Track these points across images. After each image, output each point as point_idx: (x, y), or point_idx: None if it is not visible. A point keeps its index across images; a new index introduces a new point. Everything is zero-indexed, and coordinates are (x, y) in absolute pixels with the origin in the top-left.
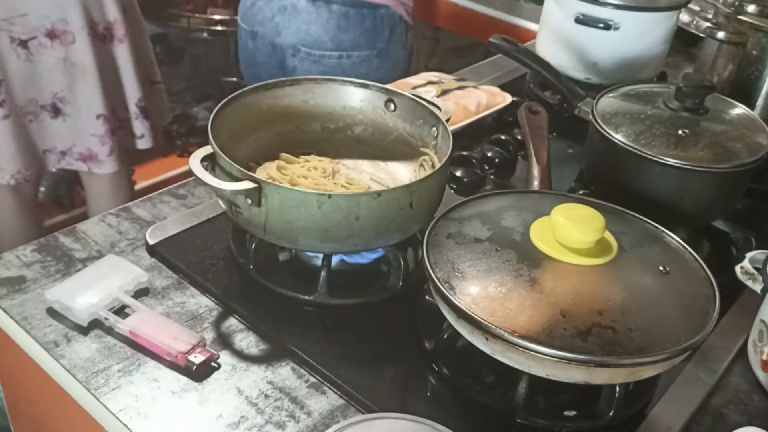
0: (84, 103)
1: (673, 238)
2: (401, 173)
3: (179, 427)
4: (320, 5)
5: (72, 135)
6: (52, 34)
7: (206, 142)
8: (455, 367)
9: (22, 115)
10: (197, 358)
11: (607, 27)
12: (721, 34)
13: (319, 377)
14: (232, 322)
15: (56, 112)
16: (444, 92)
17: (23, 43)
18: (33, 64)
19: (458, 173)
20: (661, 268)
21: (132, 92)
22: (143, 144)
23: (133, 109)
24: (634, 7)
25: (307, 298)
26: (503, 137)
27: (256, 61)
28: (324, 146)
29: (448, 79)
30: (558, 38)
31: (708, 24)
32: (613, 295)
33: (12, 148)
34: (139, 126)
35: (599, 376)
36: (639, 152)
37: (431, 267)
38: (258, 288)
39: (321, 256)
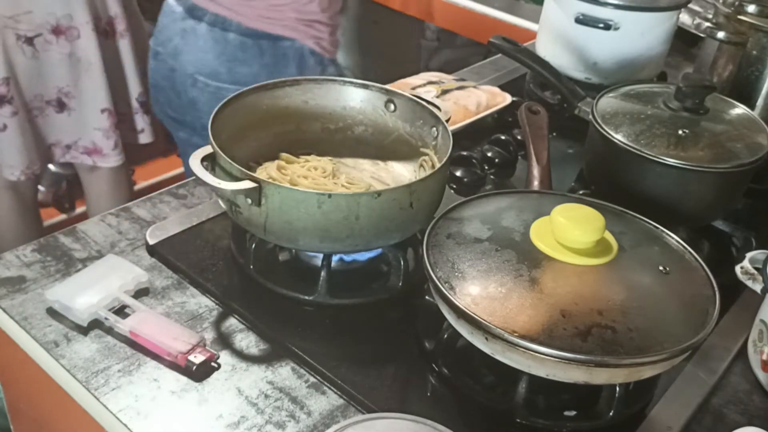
0: (89, 97)
1: (673, 238)
2: (401, 173)
3: (179, 427)
4: (217, 32)
5: (77, 129)
6: (57, 30)
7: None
8: (455, 367)
9: (28, 111)
10: (197, 358)
11: (607, 27)
12: (721, 34)
13: (319, 377)
14: (232, 322)
15: (61, 106)
16: (444, 92)
17: (29, 41)
18: (38, 60)
19: (458, 173)
20: (661, 268)
21: (133, 87)
22: (144, 138)
23: (134, 104)
24: (634, 7)
25: (307, 298)
26: (503, 137)
27: (157, 84)
28: (324, 146)
29: (448, 79)
30: (558, 38)
31: (708, 24)
32: (613, 295)
33: (21, 145)
34: (140, 120)
35: (599, 376)
36: (639, 152)
37: (431, 267)
38: (258, 288)
39: (321, 256)
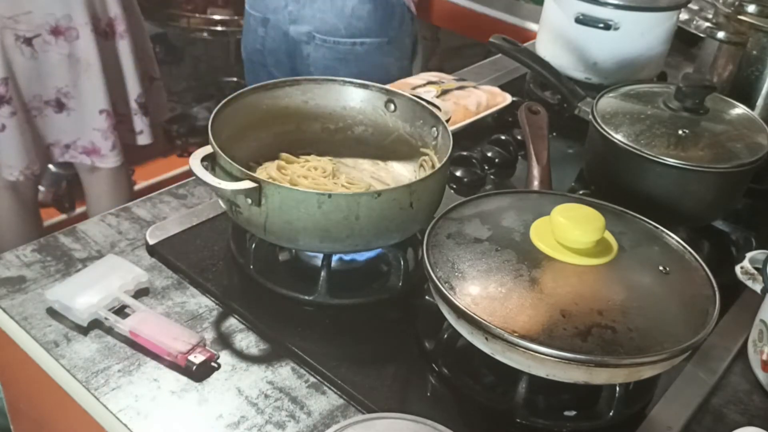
0: (88, 98)
1: (673, 238)
2: (401, 173)
3: (179, 427)
4: None
5: (76, 129)
6: (56, 31)
7: (206, 142)
8: (455, 367)
9: (27, 111)
10: (197, 358)
11: (607, 27)
12: (721, 34)
13: (319, 377)
14: (232, 322)
15: (60, 106)
16: (444, 92)
17: (28, 41)
18: (37, 61)
19: (458, 173)
20: (661, 268)
21: (132, 88)
22: (142, 140)
23: (133, 105)
24: (634, 7)
25: (307, 298)
26: (503, 137)
27: (265, 47)
28: (324, 146)
29: (448, 79)
30: (558, 38)
31: (708, 24)
32: (613, 295)
33: (20, 145)
34: (139, 122)
35: (599, 376)
36: (639, 152)
37: (431, 267)
38: (258, 288)
39: (321, 256)
